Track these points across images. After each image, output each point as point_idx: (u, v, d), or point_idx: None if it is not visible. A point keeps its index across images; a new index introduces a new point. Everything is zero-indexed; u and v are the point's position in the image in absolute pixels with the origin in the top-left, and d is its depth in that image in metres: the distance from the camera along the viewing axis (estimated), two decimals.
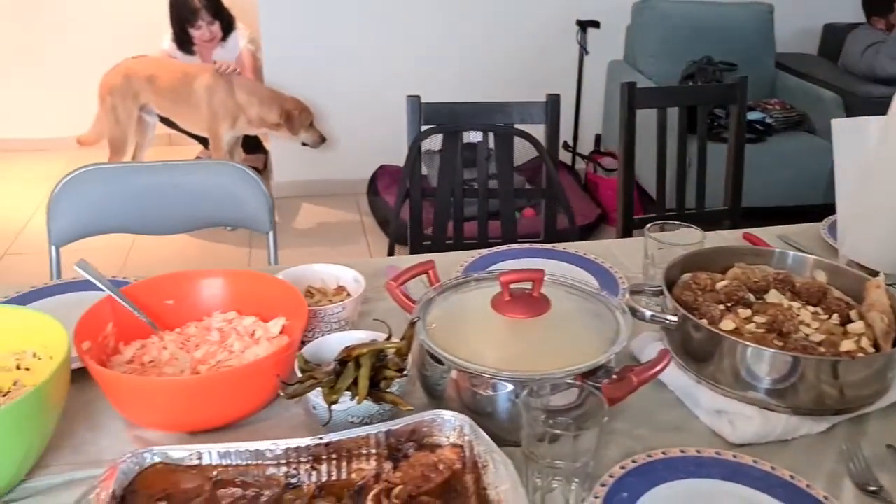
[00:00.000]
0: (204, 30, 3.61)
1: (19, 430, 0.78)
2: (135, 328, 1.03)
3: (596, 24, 3.91)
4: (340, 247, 3.45)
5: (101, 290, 1.02)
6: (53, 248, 1.62)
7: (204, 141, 3.82)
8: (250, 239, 3.34)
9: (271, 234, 1.72)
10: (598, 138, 4.12)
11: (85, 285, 1.22)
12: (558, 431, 0.80)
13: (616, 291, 1.25)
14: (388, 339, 0.97)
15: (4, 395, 0.91)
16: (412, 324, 0.91)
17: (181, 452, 0.83)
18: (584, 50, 3.94)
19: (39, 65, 4.39)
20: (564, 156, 3.85)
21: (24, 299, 1.20)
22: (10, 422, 0.77)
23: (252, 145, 4.19)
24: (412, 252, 1.90)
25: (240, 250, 3.32)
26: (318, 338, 1.07)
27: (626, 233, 2.04)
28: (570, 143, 4.05)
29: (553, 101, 1.85)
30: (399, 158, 3.92)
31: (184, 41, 3.68)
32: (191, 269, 1.08)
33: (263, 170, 4.23)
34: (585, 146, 4.08)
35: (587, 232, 3.46)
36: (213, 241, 3.33)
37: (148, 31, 3.83)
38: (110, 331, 1.00)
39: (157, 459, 0.82)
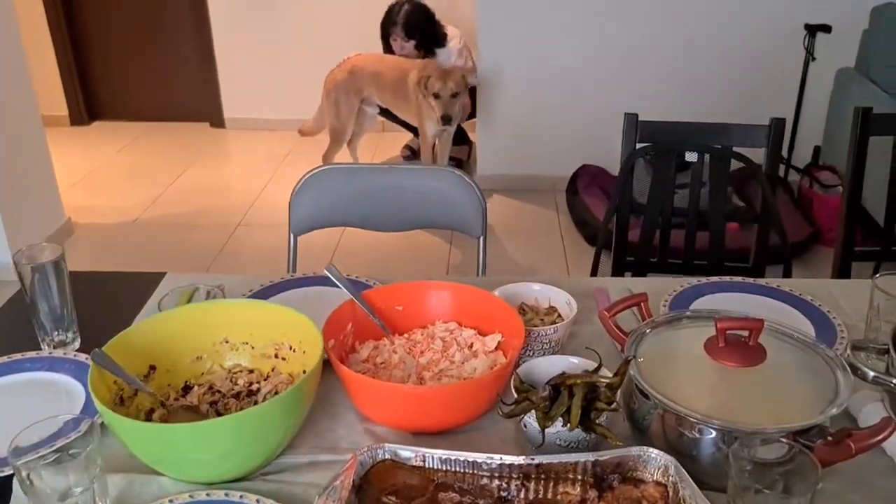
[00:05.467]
0: (398, 44, 3.85)
1: (283, 416, 0.92)
2: (369, 329, 1.16)
3: (827, 29, 3.66)
4: (536, 243, 3.52)
5: (332, 286, 1.17)
6: (292, 236, 1.83)
7: (415, 130, 4.04)
8: (451, 236, 3.47)
9: (482, 239, 1.82)
10: (816, 151, 3.87)
11: (318, 280, 1.40)
12: (766, 491, 0.81)
13: (833, 340, 1.21)
14: (599, 368, 1.02)
15: (265, 379, 1.07)
16: (626, 361, 0.95)
17: (408, 453, 0.93)
18: (810, 56, 3.71)
19: (275, 56, 4.83)
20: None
21: (269, 291, 1.38)
22: (276, 411, 0.91)
23: (458, 137, 4.36)
24: (615, 269, 1.93)
25: (441, 248, 3.45)
26: (529, 356, 1.15)
27: (845, 266, 1.94)
28: (785, 153, 3.84)
29: (776, 126, 1.79)
30: (599, 159, 3.97)
31: (389, 47, 3.95)
32: (421, 281, 1.19)
33: (467, 160, 4.39)
34: (802, 158, 3.85)
35: (797, 251, 3.28)
36: (416, 235, 3.46)
37: (371, 31, 4.09)
38: (349, 330, 1.13)
39: (387, 456, 0.93)
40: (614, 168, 3.96)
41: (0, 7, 3.07)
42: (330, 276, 1.17)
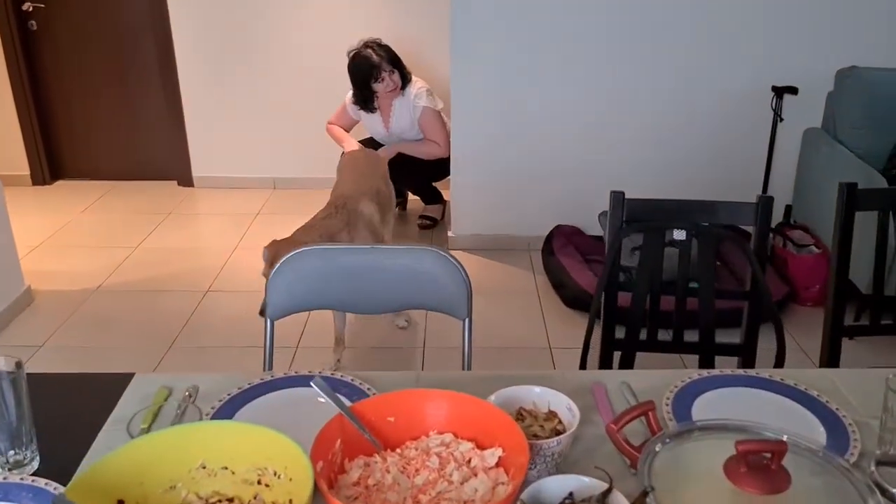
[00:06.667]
0: (387, 80, 3.83)
1: None
2: (359, 444, 1.07)
3: (794, 91, 3.73)
4: (514, 305, 3.46)
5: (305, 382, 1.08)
6: (268, 321, 1.73)
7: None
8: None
9: (467, 321, 1.75)
10: (787, 209, 3.90)
11: (298, 381, 1.31)
12: None
13: (846, 443, 1.16)
14: (610, 490, 0.95)
15: None
16: (644, 494, 0.88)
17: None
18: (778, 117, 3.76)
19: (244, 114, 4.77)
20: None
21: (247, 395, 1.28)
22: None
23: (432, 196, 4.32)
24: (603, 349, 1.87)
25: (418, 315, 3.38)
26: (531, 468, 1.08)
27: (835, 341, 1.91)
28: None
29: (764, 203, 1.76)
30: (573, 218, 3.95)
31: (367, 99, 3.91)
32: (414, 389, 1.12)
33: (441, 220, 4.35)
34: (773, 217, 3.86)
35: None
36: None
37: (342, 88, 4.06)
38: (338, 448, 1.04)
39: None
40: (588, 227, 3.96)
41: None
42: (316, 388, 1.08)
